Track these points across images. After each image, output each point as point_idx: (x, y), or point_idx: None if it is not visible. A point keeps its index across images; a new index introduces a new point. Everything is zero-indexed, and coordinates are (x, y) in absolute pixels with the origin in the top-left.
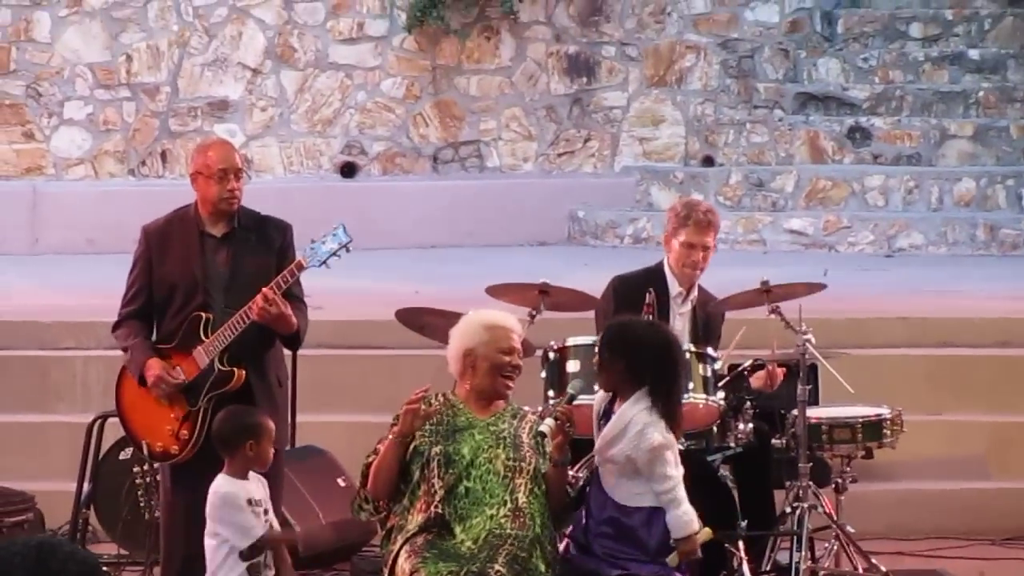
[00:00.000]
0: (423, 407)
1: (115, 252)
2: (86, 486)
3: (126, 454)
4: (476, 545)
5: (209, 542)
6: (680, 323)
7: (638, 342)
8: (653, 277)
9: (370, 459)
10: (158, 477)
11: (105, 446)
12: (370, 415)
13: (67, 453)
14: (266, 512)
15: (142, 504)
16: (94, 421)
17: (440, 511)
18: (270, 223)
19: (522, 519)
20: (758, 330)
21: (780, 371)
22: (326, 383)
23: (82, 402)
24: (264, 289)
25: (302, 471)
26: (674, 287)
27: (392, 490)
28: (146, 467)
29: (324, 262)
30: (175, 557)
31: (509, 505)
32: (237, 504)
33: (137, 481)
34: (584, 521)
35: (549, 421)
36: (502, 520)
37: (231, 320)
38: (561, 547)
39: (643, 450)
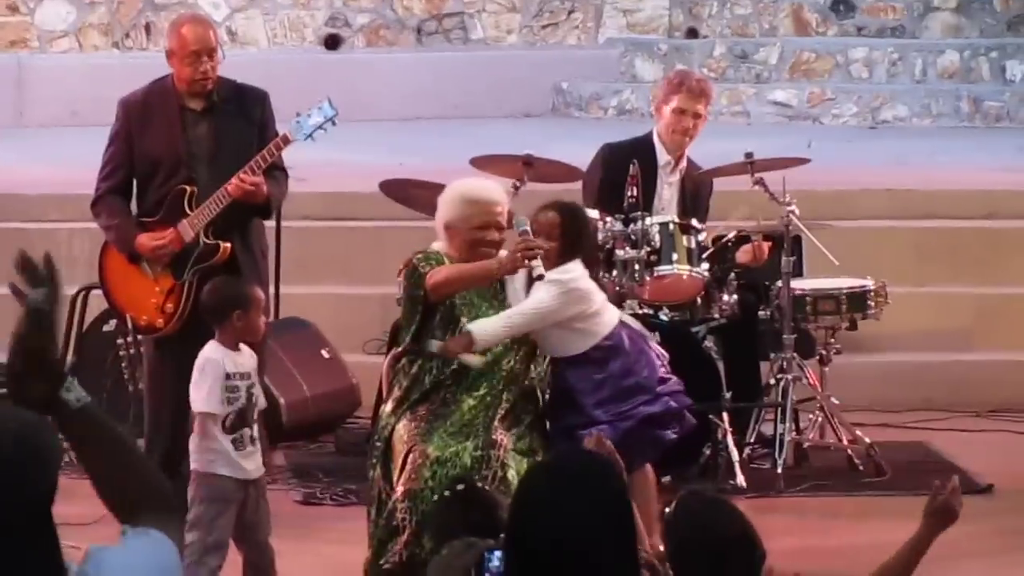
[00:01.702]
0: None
1: (100, 125)
2: (70, 358)
3: (110, 326)
4: (474, 415)
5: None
6: (668, 193)
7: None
8: (642, 146)
9: (426, 269)
10: (142, 349)
11: (89, 318)
12: (354, 287)
13: None
14: (252, 386)
15: (126, 376)
16: (78, 293)
17: (450, 381)
18: (248, 93)
19: (518, 382)
20: (742, 201)
21: (767, 245)
22: (310, 255)
23: (67, 274)
24: (240, 173)
25: (286, 343)
26: (662, 156)
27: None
28: (130, 339)
29: (310, 135)
30: (160, 430)
31: (506, 374)
32: (216, 372)
33: (121, 353)
34: (583, 412)
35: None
36: (502, 387)
37: (215, 195)
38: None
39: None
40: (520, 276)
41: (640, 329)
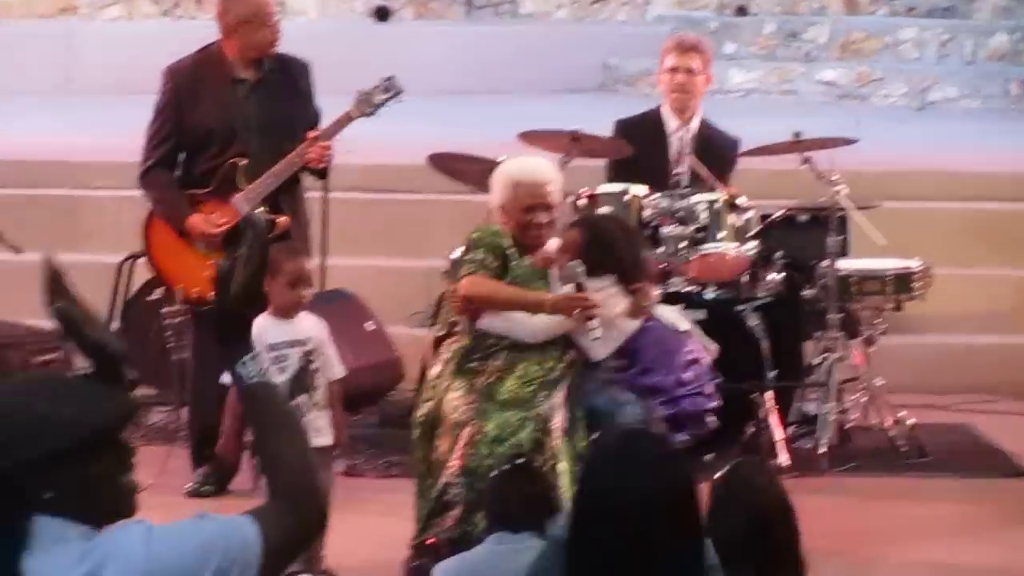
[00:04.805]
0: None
1: (148, 93)
2: (114, 325)
3: (156, 295)
4: (534, 390)
5: None
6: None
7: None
8: (651, 118)
9: (469, 272)
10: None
11: (135, 286)
12: (400, 259)
13: (96, 293)
14: (310, 352)
15: (170, 345)
16: (124, 261)
17: (505, 353)
18: (292, 64)
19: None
20: (789, 180)
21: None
22: (356, 227)
23: (113, 242)
24: (322, 143)
25: (330, 315)
26: (671, 124)
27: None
28: (176, 308)
29: (374, 112)
30: (205, 404)
31: (564, 362)
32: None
33: (166, 323)
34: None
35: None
36: (557, 375)
37: (275, 168)
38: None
39: None
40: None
41: (675, 324)
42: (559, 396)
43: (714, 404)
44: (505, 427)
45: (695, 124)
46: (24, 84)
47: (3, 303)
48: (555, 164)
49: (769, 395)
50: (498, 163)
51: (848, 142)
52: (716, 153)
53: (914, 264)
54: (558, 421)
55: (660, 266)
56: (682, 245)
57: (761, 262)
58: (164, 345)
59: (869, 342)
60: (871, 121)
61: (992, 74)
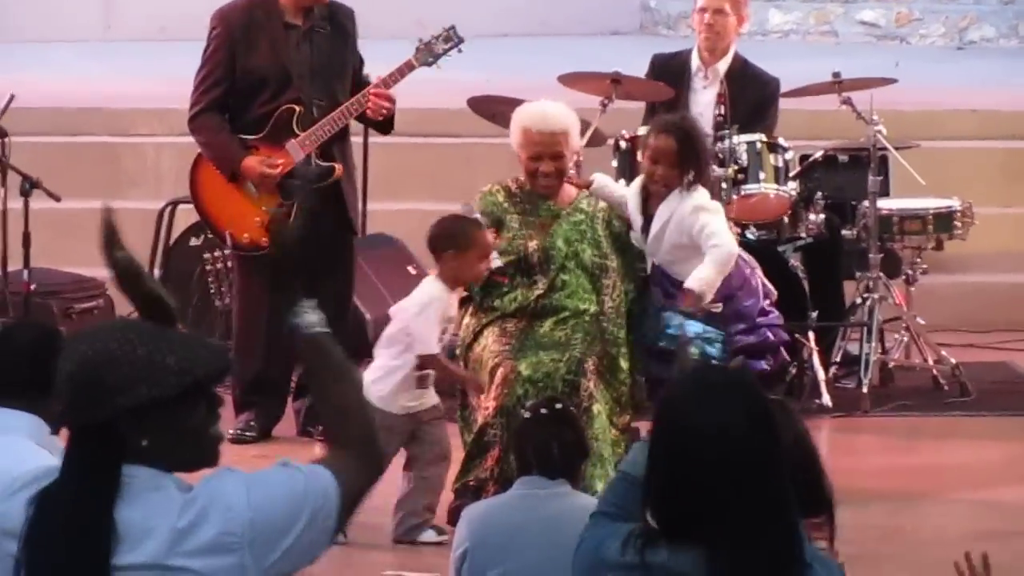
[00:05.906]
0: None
1: (188, 40)
2: (156, 272)
3: (197, 241)
4: (567, 333)
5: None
6: (705, 97)
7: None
8: (681, 55)
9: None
10: (230, 264)
11: (176, 233)
12: (442, 203)
13: (138, 239)
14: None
15: (212, 291)
16: (165, 207)
17: (542, 303)
18: (340, 10)
19: (607, 318)
20: (828, 121)
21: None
22: (398, 171)
23: (154, 188)
24: (384, 92)
25: (373, 259)
26: (695, 62)
27: None
28: (217, 254)
29: (434, 62)
30: (250, 351)
31: (596, 304)
32: (440, 314)
33: (208, 268)
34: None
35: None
36: (590, 317)
37: (332, 115)
38: None
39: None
40: (633, 197)
41: (749, 259)
42: (598, 339)
43: (786, 337)
44: (539, 367)
45: (723, 65)
46: (63, 30)
47: (43, 251)
48: (571, 112)
49: (811, 335)
50: None
51: (887, 82)
52: (754, 92)
53: (955, 203)
54: (593, 363)
55: None
56: (723, 186)
57: (802, 203)
58: (206, 291)
59: (910, 281)
60: (910, 61)
61: None
